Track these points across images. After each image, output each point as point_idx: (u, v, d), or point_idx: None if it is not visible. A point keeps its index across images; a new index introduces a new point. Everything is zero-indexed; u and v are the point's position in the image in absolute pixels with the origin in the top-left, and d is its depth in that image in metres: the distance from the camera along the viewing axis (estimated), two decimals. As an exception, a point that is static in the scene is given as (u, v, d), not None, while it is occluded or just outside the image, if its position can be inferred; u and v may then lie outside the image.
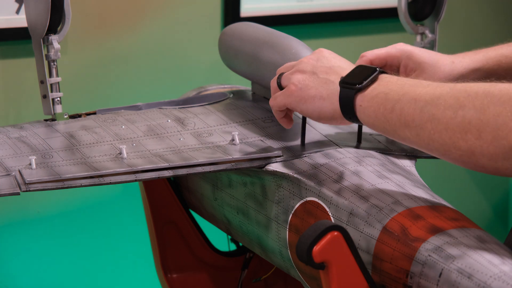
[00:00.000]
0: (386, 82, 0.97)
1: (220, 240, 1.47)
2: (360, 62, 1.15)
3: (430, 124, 0.90)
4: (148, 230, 1.44)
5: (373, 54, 1.16)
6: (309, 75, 1.04)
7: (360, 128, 1.16)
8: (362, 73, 0.99)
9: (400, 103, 0.93)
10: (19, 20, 1.61)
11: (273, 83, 1.09)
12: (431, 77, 1.14)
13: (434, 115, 0.90)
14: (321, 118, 1.03)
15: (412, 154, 1.14)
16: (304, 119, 1.15)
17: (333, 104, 1.01)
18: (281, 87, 1.08)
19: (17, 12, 1.62)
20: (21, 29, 1.60)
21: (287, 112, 1.10)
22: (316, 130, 1.20)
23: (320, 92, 1.02)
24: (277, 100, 1.07)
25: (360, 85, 0.98)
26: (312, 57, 1.06)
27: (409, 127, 0.92)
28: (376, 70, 0.99)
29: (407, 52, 1.16)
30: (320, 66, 1.05)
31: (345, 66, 1.04)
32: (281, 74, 1.08)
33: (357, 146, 1.14)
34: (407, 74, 1.15)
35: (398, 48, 1.17)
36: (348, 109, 0.99)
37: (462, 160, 0.89)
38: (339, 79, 1.01)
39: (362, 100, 0.97)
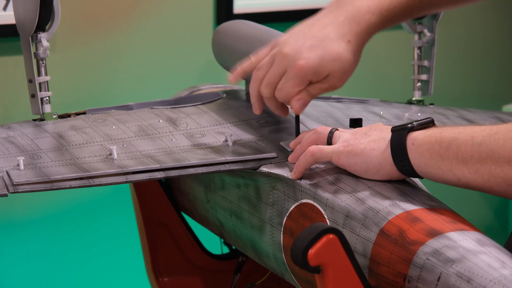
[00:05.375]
0: (439, 126, 0.97)
1: (212, 243, 1.46)
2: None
3: (491, 159, 0.90)
4: (139, 232, 1.44)
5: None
6: (361, 135, 1.03)
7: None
8: (415, 119, 0.99)
9: (456, 140, 0.93)
10: (7, 17, 1.61)
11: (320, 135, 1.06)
12: None
13: (494, 150, 0.90)
14: (369, 169, 1.00)
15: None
16: (297, 120, 1.14)
17: (383, 152, 0.99)
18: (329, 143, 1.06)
19: (5, 8, 1.62)
20: (9, 26, 1.59)
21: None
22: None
23: (371, 146, 1.01)
24: (322, 150, 1.04)
25: (411, 125, 0.97)
26: (365, 127, 1.05)
27: (467, 164, 0.92)
28: (430, 118, 0.98)
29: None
30: (374, 130, 1.03)
31: None
32: (333, 129, 1.06)
33: None
34: None
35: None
36: (399, 151, 0.97)
37: None
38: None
39: (415, 139, 0.96)
